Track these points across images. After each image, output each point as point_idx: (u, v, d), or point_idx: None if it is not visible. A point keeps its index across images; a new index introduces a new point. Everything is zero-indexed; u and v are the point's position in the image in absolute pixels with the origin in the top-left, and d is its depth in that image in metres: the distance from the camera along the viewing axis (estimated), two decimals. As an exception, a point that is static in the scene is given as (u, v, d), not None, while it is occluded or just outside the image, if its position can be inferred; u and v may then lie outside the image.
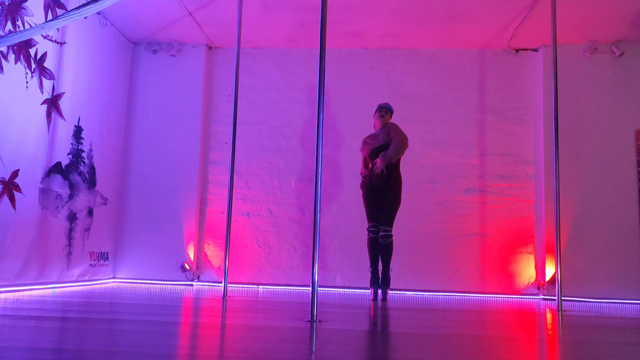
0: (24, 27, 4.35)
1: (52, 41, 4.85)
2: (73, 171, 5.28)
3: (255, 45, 6.48)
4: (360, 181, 5.27)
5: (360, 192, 5.23)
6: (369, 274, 5.11)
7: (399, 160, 5.07)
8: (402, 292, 5.87)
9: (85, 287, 5.40)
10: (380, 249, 5.01)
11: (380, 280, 5.02)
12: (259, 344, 2.46)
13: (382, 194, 5.03)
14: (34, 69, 4.61)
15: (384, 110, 5.23)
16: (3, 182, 4.25)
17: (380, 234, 4.97)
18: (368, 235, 5.07)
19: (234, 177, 4.95)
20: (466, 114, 6.30)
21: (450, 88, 6.35)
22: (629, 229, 5.80)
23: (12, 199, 4.34)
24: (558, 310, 4.38)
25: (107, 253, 6.04)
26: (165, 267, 6.13)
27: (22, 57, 4.44)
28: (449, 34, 6.04)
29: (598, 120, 6.00)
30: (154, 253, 6.15)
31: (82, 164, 5.44)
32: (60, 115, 5.03)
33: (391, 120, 5.25)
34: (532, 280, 5.99)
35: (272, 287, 6.11)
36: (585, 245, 5.80)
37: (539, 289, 5.90)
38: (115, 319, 3.22)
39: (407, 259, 5.88)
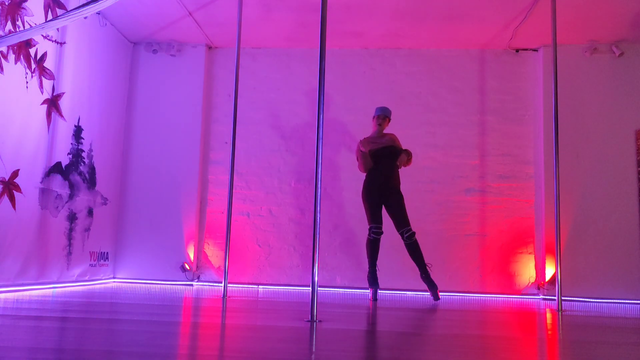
0: (24, 27, 4.35)
1: (52, 41, 4.85)
2: (73, 171, 5.28)
3: (255, 45, 6.48)
4: (362, 180, 5.23)
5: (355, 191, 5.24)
6: (368, 275, 5.11)
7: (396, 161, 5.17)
8: (402, 292, 5.87)
9: (85, 287, 5.40)
10: (410, 250, 5.01)
11: (428, 282, 5.00)
12: (259, 344, 2.46)
13: (389, 194, 5.07)
14: (34, 69, 4.61)
15: (382, 118, 5.28)
16: (3, 182, 4.25)
17: (406, 235, 4.98)
18: (371, 235, 5.02)
19: (234, 177, 4.95)
20: (466, 114, 6.30)
21: (450, 88, 6.35)
22: (629, 229, 5.80)
23: (12, 199, 4.34)
24: (558, 310, 4.38)
25: (107, 253, 6.04)
26: (165, 267, 6.12)
27: (22, 57, 4.44)
28: (449, 34, 6.04)
29: (598, 120, 6.00)
30: (154, 253, 6.15)
31: (82, 164, 5.44)
32: (60, 115, 5.04)
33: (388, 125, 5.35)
34: (532, 280, 5.99)
35: (272, 287, 6.11)
36: (585, 245, 5.79)
37: (539, 289, 5.90)
38: (115, 319, 3.22)
39: (407, 259, 5.85)
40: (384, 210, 5.12)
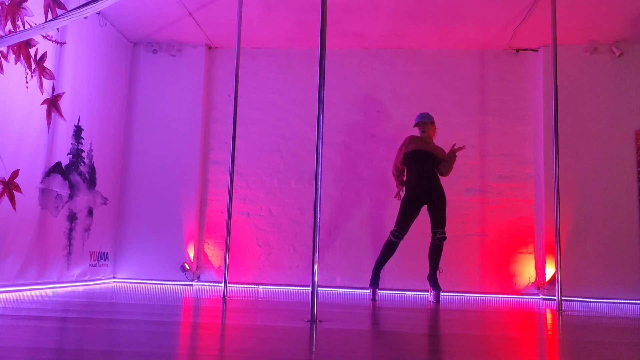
0: (24, 27, 4.35)
1: (52, 41, 4.85)
2: (73, 171, 5.28)
3: (255, 45, 6.48)
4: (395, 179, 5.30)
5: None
6: (371, 274, 5.12)
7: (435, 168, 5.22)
8: (402, 292, 5.87)
9: (85, 287, 5.40)
10: (432, 250, 5.06)
11: (434, 283, 5.05)
12: (259, 343, 2.47)
13: (433, 195, 5.10)
14: (34, 69, 4.61)
15: (422, 124, 5.28)
16: (3, 182, 4.25)
17: (438, 236, 5.02)
18: (390, 237, 5.06)
19: (234, 177, 4.95)
20: (466, 114, 6.30)
21: (450, 88, 6.35)
22: (629, 229, 5.80)
23: (12, 199, 4.34)
24: (558, 310, 4.38)
25: (107, 253, 6.04)
26: (165, 267, 6.12)
27: (22, 57, 4.44)
28: (449, 34, 6.04)
29: (598, 120, 6.00)
30: (154, 253, 6.15)
31: (82, 164, 5.44)
32: (60, 115, 5.04)
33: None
34: (532, 280, 5.99)
35: (272, 287, 6.11)
36: (585, 245, 5.79)
37: (539, 289, 5.90)
38: (115, 319, 3.23)
39: (407, 259, 5.87)
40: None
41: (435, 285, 5.05)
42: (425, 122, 5.29)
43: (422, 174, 5.13)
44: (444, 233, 5.05)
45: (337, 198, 6.23)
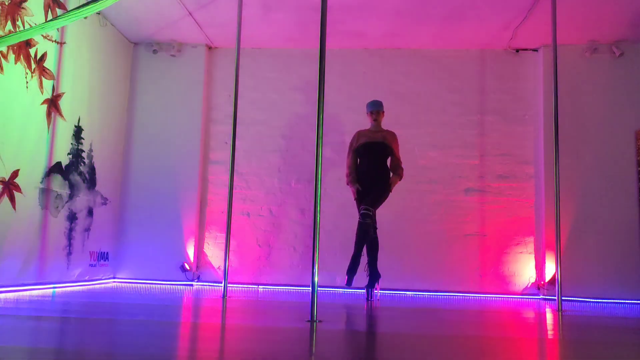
0: (24, 27, 4.35)
1: (52, 41, 4.85)
2: (73, 171, 5.28)
3: (255, 45, 6.48)
4: (347, 179, 5.17)
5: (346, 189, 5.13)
6: (365, 271, 5.09)
7: (387, 159, 5.09)
8: (402, 292, 5.87)
9: (85, 287, 5.40)
10: (357, 229, 4.83)
11: (371, 271, 4.95)
12: (259, 344, 2.47)
13: (375, 185, 4.98)
14: (34, 69, 4.61)
15: (376, 113, 5.19)
16: (3, 182, 4.25)
17: (362, 212, 4.78)
18: (360, 218, 4.85)
19: (234, 177, 4.95)
20: (466, 114, 6.30)
21: (450, 88, 6.35)
22: (628, 229, 5.80)
23: (12, 199, 4.34)
24: (558, 310, 4.38)
25: (107, 253, 6.04)
26: (165, 267, 6.12)
27: (22, 57, 4.44)
28: (448, 34, 6.04)
29: (598, 120, 5.99)
30: (154, 253, 6.15)
31: (82, 164, 5.44)
32: (60, 115, 5.04)
33: (385, 121, 5.24)
34: (532, 280, 5.99)
35: (272, 287, 6.11)
36: (585, 245, 5.79)
37: (539, 289, 5.90)
38: (115, 319, 3.22)
39: (406, 259, 5.87)
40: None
41: (372, 274, 4.94)
42: (379, 110, 5.21)
43: (372, 167, 5.04)
44: (369, 209, 4.76)
45: (337, 198, 6.23)
